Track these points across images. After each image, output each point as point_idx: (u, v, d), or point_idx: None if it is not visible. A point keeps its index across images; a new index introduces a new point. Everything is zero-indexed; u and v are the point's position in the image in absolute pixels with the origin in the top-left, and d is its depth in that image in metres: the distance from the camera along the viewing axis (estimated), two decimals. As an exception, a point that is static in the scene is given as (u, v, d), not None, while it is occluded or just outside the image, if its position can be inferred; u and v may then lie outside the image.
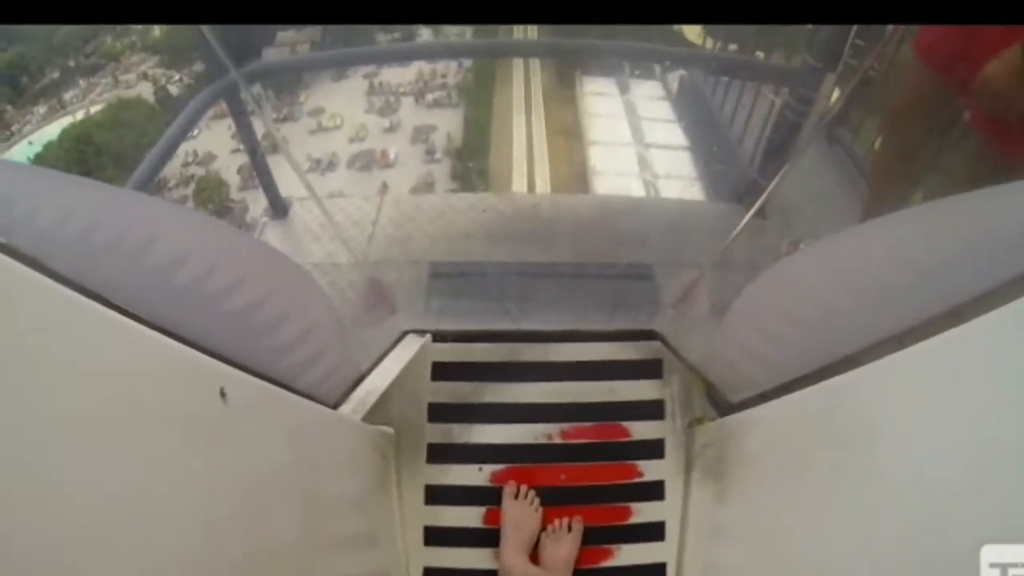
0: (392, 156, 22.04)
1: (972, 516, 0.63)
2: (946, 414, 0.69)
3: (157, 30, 24.38)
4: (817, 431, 0.98)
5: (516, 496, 1.61)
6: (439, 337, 1.79)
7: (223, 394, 0.71)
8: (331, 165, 21.54)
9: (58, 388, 0.49)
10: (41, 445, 0.46)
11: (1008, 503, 0.59)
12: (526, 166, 15.59)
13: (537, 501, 1.61)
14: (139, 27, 25.57)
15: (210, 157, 19.40)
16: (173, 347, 0.66)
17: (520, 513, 1.59)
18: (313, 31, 22.42)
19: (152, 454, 0.59)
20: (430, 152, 21.80)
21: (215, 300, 1.06)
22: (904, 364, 0.79)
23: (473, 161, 18.32)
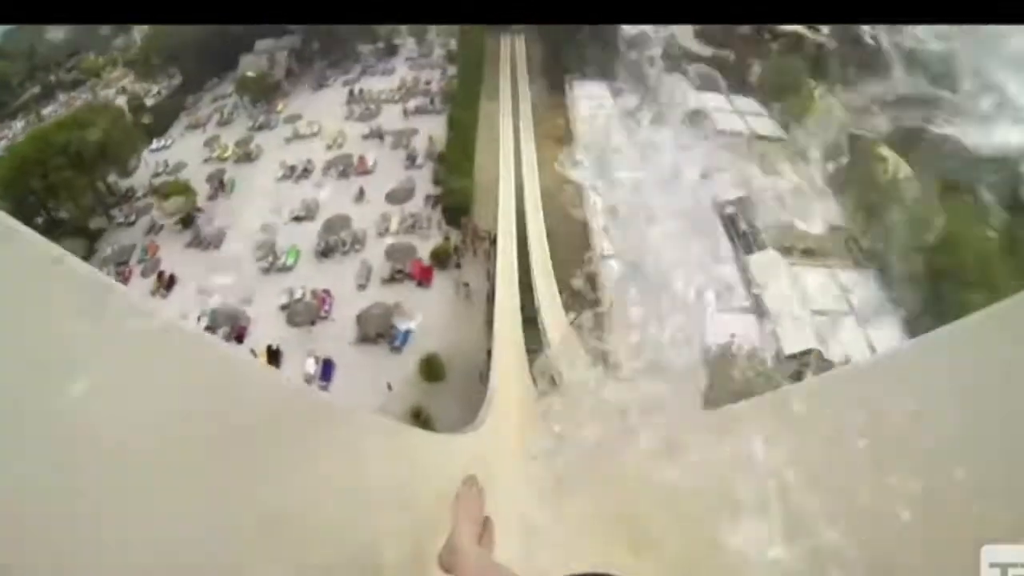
0: (371, 162, 21.85)
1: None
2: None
3: (138, 44, 24.59)
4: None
5: None
6: None
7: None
8: (306, 172, 21.38)
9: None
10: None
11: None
12: (513, 172, 15.48)
13: None
14: (120, 43, 25.97)
15: (180, 166, 19.88)
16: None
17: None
18: (292, 39, 22.37)
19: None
20: (411, 158, 21.59)
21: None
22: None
23: (456, 176, 18.42)
